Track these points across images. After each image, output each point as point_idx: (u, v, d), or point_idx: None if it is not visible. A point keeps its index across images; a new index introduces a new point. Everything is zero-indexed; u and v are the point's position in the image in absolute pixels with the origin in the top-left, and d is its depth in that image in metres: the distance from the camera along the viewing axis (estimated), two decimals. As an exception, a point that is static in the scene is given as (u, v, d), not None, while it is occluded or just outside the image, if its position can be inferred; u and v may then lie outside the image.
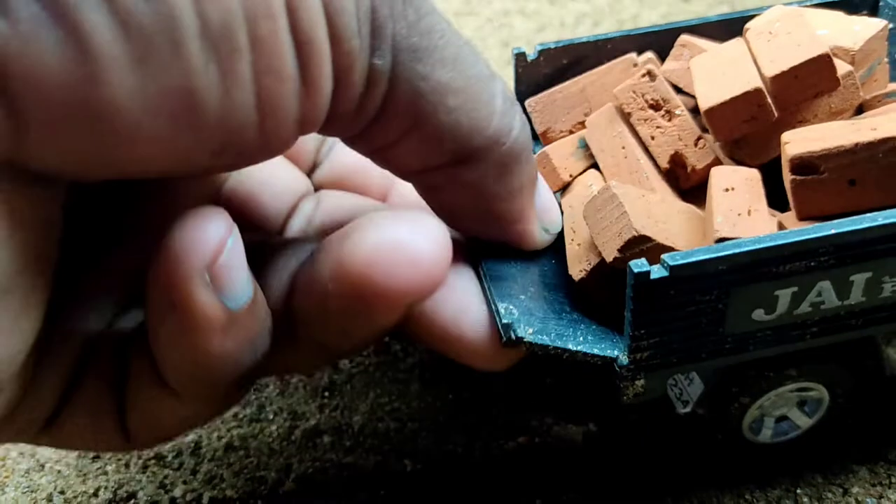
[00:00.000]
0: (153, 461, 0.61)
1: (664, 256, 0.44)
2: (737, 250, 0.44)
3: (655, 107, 0.57)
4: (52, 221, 0.38)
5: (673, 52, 0.64)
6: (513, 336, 0.46)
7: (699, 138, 0.55)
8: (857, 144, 0.47)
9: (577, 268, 0.53)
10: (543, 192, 0.51)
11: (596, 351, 0.47)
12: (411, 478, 0.58)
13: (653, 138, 0.56)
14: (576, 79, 0.62)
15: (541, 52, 0.67)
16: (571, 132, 0.62)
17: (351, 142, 0.44)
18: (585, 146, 0.61)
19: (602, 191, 0.50)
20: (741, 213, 0.49)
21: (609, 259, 0.48)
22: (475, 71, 0.43)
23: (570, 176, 0.60)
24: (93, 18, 0.31)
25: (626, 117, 0.59)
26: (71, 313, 0.44)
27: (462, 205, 0.47)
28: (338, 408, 0.63)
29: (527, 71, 0.67)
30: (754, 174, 0.51)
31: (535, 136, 0.64)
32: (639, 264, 0.43)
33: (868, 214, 0.45)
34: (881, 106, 0.57)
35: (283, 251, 0.47)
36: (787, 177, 0.49)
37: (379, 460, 0.60)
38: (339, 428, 0.62)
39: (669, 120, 0.56)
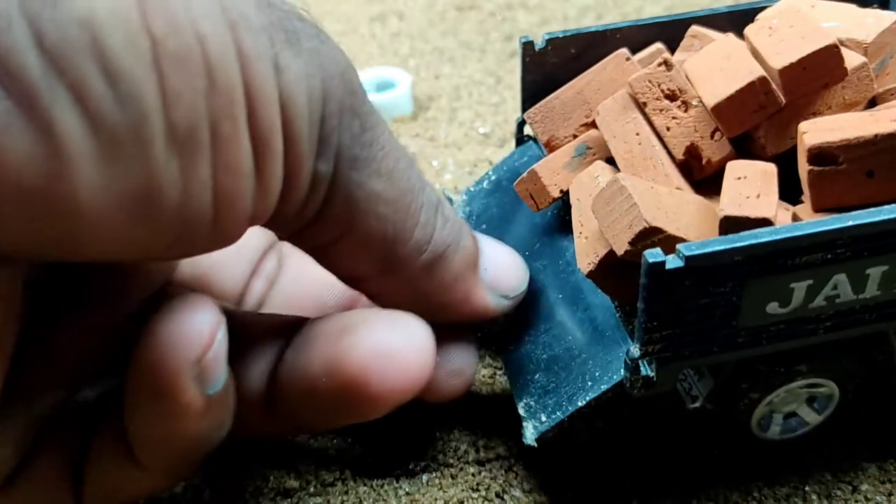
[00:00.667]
0: None
1: (679, 246, 0.43)
2: (753, 241, 0.43)
3: (671, 97, 0.56)
4: (11, 296, 0.39)
5: (683, 42, 0.63)
6: (533, 443, 0.51)
7: (716, 130, 0.54)
8: (876, 136, 0.46)
9: (586, 260, 0.52)
10: (498, 259, 0.54)
11: (604, 388, 0.49)
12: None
13: (668, 129, 0.55)
14: (571, 83, 0.61)
15: (548, 42, 0.66)
16: (575, 136, 0.61)
17: (291, 239, 0.46)
18: (584, 152, 0.60)
19: (610, 183, 0.49)
20: (749, 196, 0.48)
21: (620, 252, 0.48)
22: (407, 184, 0.46)
23: (561, 192, 0.60)
24: (65, 117, 0.32)
25: (640, 107, 0.57)
26: (30, 383, 0.45)
27: (407, 304, 0.49)
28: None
29: (534, 60, 0.66)
30: (770, 167, 0.50)
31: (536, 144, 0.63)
32: (654, 254, 0.43)
33: (886, 206, 0.44)
34: (894, 99, 0.56)
35: (256, 330, 0.50)
36: (804, 167, 0.48)
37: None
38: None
39: (686, 111, 0.55)
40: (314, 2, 1.13)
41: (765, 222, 0.47)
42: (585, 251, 0.52)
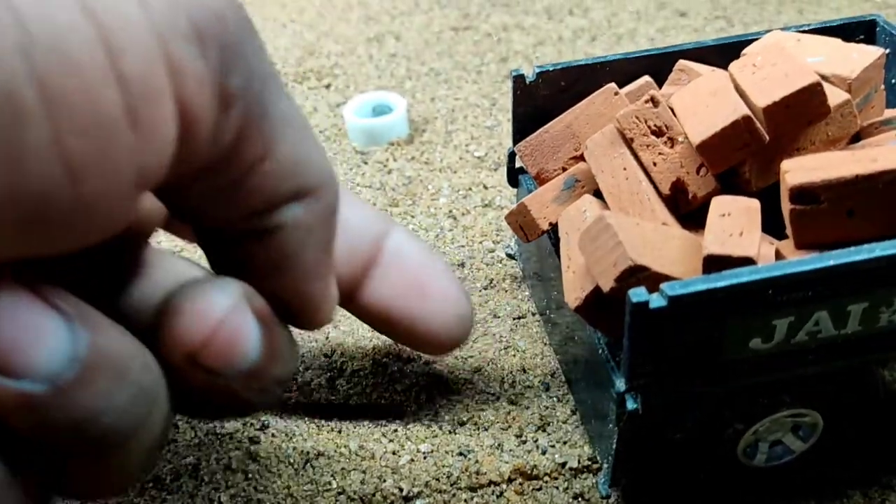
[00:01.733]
0: (151, 485, 0.61)
1: (663, 286, 0.44)
2: (735, 281, 0.44)
3: (658, 133, 0.58)
4: None
5: (672, 76, 0.65)
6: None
7: (701, 165, 0.55)
8: (857, 176, 0.47)
9: (573, 295, 0.53)
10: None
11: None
12: (405, 501, 0.59)
13: (655, 164, 0.57)
14: (560, 116, 0.63)
15: (539, 75, 0.67)
16: (564, 169, 0.63)
17: (196, 193, 0.40)
18: (573, 185, 0.62)
19: (597, 220, 0.50)
20: (732, 234, 0.49)
21: (606, 289, 0.49)
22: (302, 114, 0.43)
23: (550, 224, 0.61)
24: None
25: (628, 142, 0.59)
26: None
27: (279, 256, 0.44)
28: (334, 429, 0.64)
29: (525, 92, 0.68)
30: (754, 203, 0.51)
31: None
32: (638, 293, 0.44)
33: (865, 246, 0.45)
34: (878, 133, 0.57)
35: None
36: (787, 206, 0.49)
37: (376, 484, 0.60)
38: (336, 450, 0.62)
39: (672, 147, 0.57)
40: (313, 22, 1.15)
41: (747, 261, 0.48)
42: (573, 286, 0.53)
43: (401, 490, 0.59)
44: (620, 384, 0.48)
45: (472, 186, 0.86)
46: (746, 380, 0.49)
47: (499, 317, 0.72)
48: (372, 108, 0.95)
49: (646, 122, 0.58)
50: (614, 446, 0.53)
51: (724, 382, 0.49)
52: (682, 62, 0.65)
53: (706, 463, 0.56)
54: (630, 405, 0.49)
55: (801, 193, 0.48)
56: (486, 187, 0.85)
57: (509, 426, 0.63)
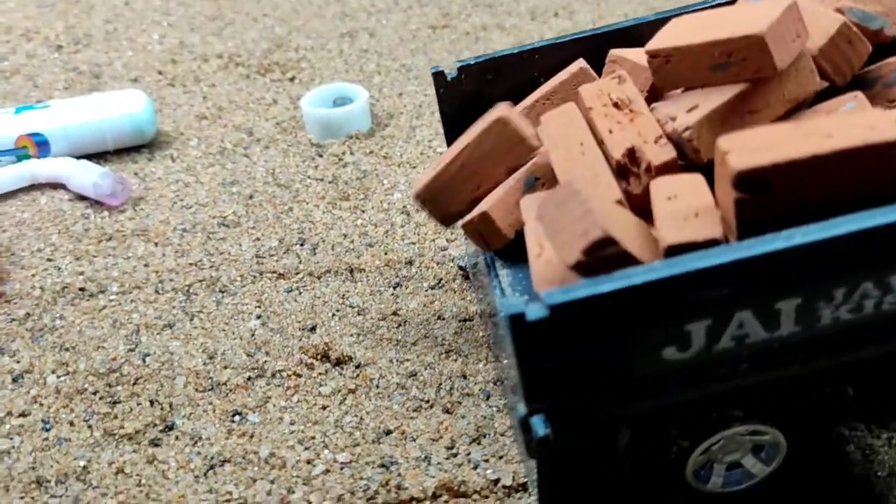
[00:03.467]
0: (34, 485, 0.54)
1: (543, 294, 0.38)
2: (626, 283, 0.37)
3: (618, 106, 0.52)
4: None
5: (605, 69, 0.59)
6: None
7: (660, 136, 0.49)
8: (813, 156, 0.40)
9: (546, 286, 0.46)
10: None
11: None
12: (316, 516, 0.52)
13: (611, 132, 0.51)
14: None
15: (461, 70, 0.63)
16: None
17: None
18: (533, 184, 0.56)
19: (564, 185, 0.43)
20: (687, 217, 0.42)
21: (570, 262, 0.42)
22: None
23: (516, 232, 0.55)
24: None
25: (586, 112, 0.53)
26: None
27: None
28: (245, 434, 0.57)
29: (449, 90, 0.63)
30: (697, 178, 0.45)
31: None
32: (512, 304, 0.37)
33: (784, 232, 0.38)
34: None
35: None
36: (728, 193, 0.42)
37: (282, 496, 0.53)
38: (244, 456, 0.56)
39: (632, 120, 0.51)
40: (286, 16, 1.10)
41: (714, 243, 0.41)
42: (545, 276, 0.46)
43: (309, 503, 0.53)
44: (521, 408, 0.41)
45: (430, 183, 0.80)
46: (672, 396, 0.42)
47: (443, 318, 0.66)
48: (332, 100, 0.89)
49: (608, 94, 0.53)
50: (535, 478, 0.47)
51: (645, 399, 0.42)
52: (612, 52, 0.59)
53: (652, 489, 0.49)
54: (539, 431, 0.41)
55: (749, 179, 0.41)
56: (444, 184, 0.79)
57: (440, 437, 0.56)
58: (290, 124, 0.89)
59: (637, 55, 0.58)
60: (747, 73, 0.48)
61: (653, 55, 0.51)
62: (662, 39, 0.51)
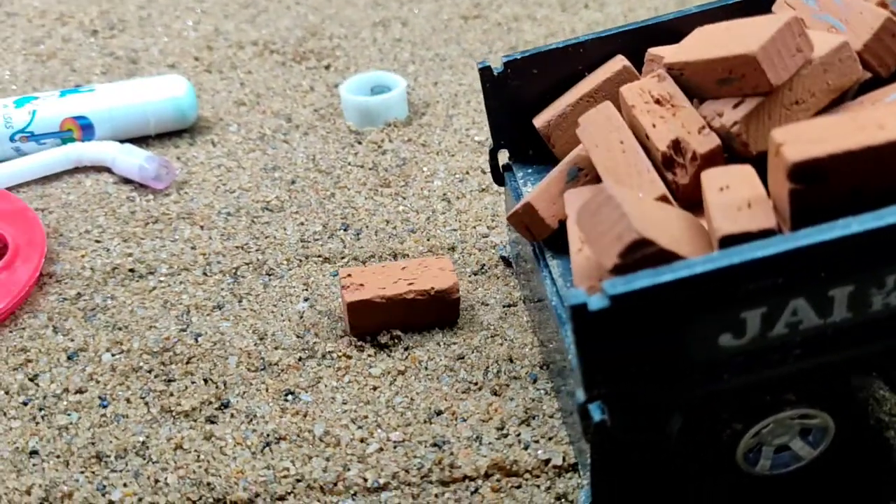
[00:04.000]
0: (94, 460, 0.56)
1: (604, 284, 0.39)
2: (687, 273, 0.38)
3: (660, 102, 0.54)
4: None
5: (644, 69, 0.61)
6: None
7: (703, 127, 0.50)
8: (868, 147, 0.41)
9: (586, 283, 0.48)
10: None
11: None
12: (371, 493, 0.53)
13: (654, 126, 0.52)
14: (572, 96, 0.59)
15: (506, 65, 0.64)
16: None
17: None
18: (576, 175, 0.57)
19: (597, 193, 0.45)
20: (741, 208, 0.43)
21: (608, 266, 0.43)
22: None
23: (560, 222, 0.57)
24: None
25: (629, 110, 0.54)
26: None
27: None
28: (299, 412, 0.58)
29: (495, 85, 0.64)
30: (748, 169, 0.46)
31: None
32: (575, 295, 0.38)
33: (840, 221, 0.39)
34: None
35: None
36: (783, 185, 0.42)
37: (338, 473, 0.54)
38: (299, 434, 0.57)
39: (674, 114, 0.53)
40: (318, 4, 1.11)
41: (769, 233, 0.42)
42: (585, 272, 0.48)
43: (365, 480, 0.54)
44: (580, 394, 0.42)
45: (469, 171, 0.81)
46: (725, 382, 0.43)
47: (488, 304, 0.67)
48: (370, 88, 0.90)
49: (649, 92, 0.55)
50: (588, 462, 0.48)
51: (699, 385, 0.43)
52: (650, 52, 0.60)
53: (703, 473, 0.50)
54: (596, 416, 0.43)
55: (804, 171, 0.41)
56: (483, 172, 0.80)
57: (490, 418, 0.58)
58: (327, 111, 0.90)
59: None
60: (747, 89, 0.50)
61: (669, 67, 0.54)
62: (679, 52, 0.54)
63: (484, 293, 0.68)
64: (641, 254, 0.42)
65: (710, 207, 0.45)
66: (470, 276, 0.70)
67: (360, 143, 0.85)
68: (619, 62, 0.61)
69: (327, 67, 0.99)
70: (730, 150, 0.51)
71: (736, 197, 0.45)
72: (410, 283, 0.63)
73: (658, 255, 0.42)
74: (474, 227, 0.74)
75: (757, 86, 0.49)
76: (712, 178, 0.47)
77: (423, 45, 1.03)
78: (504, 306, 0.67)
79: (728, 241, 0.43)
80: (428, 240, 0.73)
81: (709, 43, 0.52)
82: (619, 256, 0.43)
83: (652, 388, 0.43)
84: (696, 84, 0.53)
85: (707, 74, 0.52)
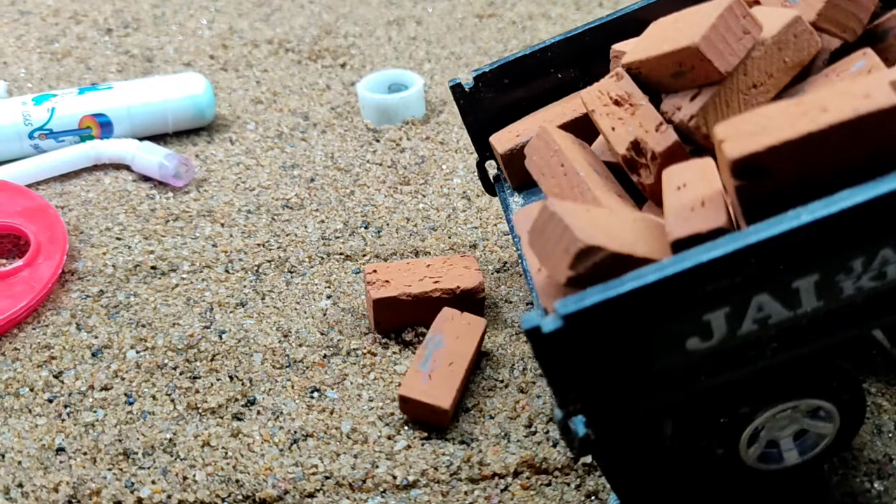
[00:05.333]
0: (122, 457, 0.56)
1: (557, 304, 0.38)
2: (636, 284, 0.38)
3: (618, 103, 0.54)
4: None
5: (611, 65, 0.60)
6: None
7: (660, 124, 0.50)
8: (809, 134, 0.39)
9: (551, 302, 0.48)
10: None
11: None
12: (400, 490, 0.53)
13: (613, 129, 0.53)
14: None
15: (477, 79, 0.64)
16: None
17: None
18: None
19: (541, 212, 0.44)
20: (694, 208, 0.43)
21: (563, 280, 0.43)
22: None
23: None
24: None
25: (589, 114, 0.55)
26: None
27: None
28: (326, 409, 0.58)
29: (469, 101, 0.64)
30: (707, 163, 0.45)
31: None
32: (528, 319, 0.38)
33: (788, 213, 0.38)
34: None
35: None
36: (729, 181, 0.41)
37: (367, 470, 0.54)
38: (326, 431, 0.57)
39: (633, 114, 0.53)
40: (331, 3, 1.11)
41: (720, 232, 0.41)
42: (548, 292, 0.47)
43: (394, 478, 0.54)
44: (557, 413, 0.42)
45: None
46: (703, 382, 0.43)
47: (511, 301, 0.67)
48: (388, 86, 0.90)
49: (608, 93, 0.55)
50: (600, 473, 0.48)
51: (676, 389, 0.42)
52: (614, 48, 0.60)
53: (709, 464, 0.50)
54: (580, 431, 0.43)
55: (745, 166, 0.40)
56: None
57: (518, 415, 0.58)
58: (344, 109, 0.90)
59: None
60: (700, 80, 0.49)
61: (627, 67, 0.54)
62: (634, 50, 0.54)
63: (507, 291, 0.68)
64: (592, 262, 0.42)
65: (666, 211, 0.45)
66: (493, 274, 0.69)
67: (378, 141, 0.85)
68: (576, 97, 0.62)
69: (343, 66, 0.99)
70: (694, 143, 0.51)
71: (691, 196, 0.44)
72: (436, 282, 0.63)
73: (611, 261, 0.42)
74: (495, 225, 0.74)
75: (708, 76, 0.49)
76: (671, 177, 0.46)
77: (437, 43, 1.03)
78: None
79: (681, 245, 0.42)
80: (449, 237, 0.73)
81: (660, 38, 0.52)
82: (570, 268, 0.42)
83: (626, 398, 0.42)
84: (654, 80, 0.52)
85: (661, 70, 0.51)
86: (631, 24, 0.62)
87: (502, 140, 0.63)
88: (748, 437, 0.48)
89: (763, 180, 0.40)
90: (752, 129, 0.40)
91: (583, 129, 0.60)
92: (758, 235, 0.38)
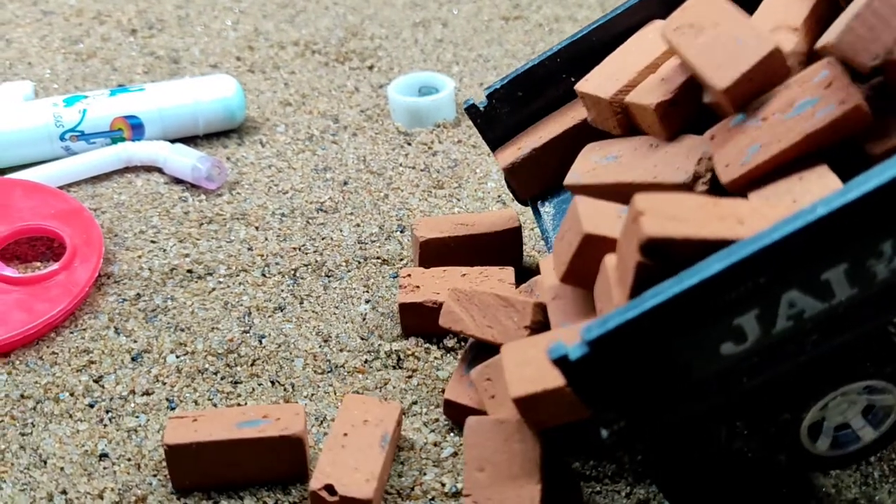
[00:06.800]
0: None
1: (581, 331, 0.38)
2: (657, 300, 0.38)
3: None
4: None
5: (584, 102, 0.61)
6: None
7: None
8: (720, 240, 0.40)
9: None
10: None
11: None
12: (449, 498, 0.53)
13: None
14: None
15: (489, 96, 0.64)
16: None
17: None
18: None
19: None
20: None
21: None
22: None
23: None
24: None
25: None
26: None
27: None
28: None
29: (486, 119, 0.64)
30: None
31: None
32: (554, 350, 0.38)
33: (807, 207, 0.38)
34: None
35: None
36: (633, 255, 0.41)
37: (415, 477, 0.54)
38: (372, 438, 0.56)
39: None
40: (356, 4, 1.10)
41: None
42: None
43: (443, 485, 0.53)
44: (604, 432, 0.42)
45: (522, 172, 0.80)
46: (747, 383, 0.43)
47: (551, 307, 0.66)
48: (418, 89, 0.89)
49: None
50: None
51: (718, 394, 0.42)
52: (578, 88, 0.60)
53: (771, 467, 0.50)
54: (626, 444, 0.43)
55: (656, 246, 0.40)
56: (537, 173, 0.80)
57: (564, 422, 0.57)
58: (374, 112, 0.90)
59: (596, 87, 0.58)
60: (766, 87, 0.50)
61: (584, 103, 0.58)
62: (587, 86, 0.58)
63: (546, 296, 0.67)
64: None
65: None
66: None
67: (409, 144, 0.85)
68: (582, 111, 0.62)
69: (370, 68, 0.98)
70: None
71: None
72: None
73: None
74: (531, 229, 0.74)
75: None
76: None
77: (465, 45, 1.02)
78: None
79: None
80: (486, 242, 0.72)
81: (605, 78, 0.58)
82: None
83: (668, 409, 0.42)
84: (603, 121, 0.59)
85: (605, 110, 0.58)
86: (635, 20, 0.62)
87: (506, 155, 0.63)
88: (808, 427, 0.48)
89: (664, 262, 0.41)
90: (672, 213, 0.41)
91: (584, 137, 0.60)
92: (771, 237, 0.38)
